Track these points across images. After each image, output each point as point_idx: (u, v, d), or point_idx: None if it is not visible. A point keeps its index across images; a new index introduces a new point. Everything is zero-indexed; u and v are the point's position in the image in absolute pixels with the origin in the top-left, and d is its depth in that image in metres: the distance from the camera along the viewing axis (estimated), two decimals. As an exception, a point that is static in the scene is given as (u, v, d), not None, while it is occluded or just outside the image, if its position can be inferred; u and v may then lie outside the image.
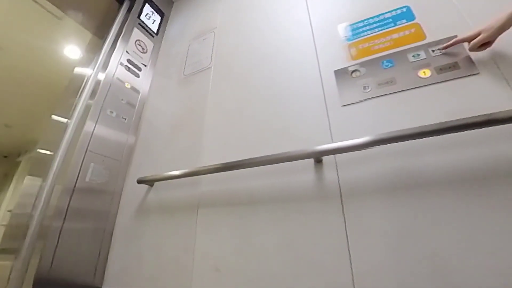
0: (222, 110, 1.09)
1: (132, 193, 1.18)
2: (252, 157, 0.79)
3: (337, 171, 0.71)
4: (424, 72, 0.72)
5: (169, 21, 1.83)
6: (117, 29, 1.48)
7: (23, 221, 1.07)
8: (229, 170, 0.84)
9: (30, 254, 0.94)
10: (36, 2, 2.29)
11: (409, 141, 0.60)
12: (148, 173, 1.08)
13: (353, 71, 0.83)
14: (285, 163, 0.75)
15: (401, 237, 0.57)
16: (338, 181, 0.70)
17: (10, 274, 0.94)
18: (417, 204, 0.58)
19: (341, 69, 0.86)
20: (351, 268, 0.60)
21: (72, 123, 1.17)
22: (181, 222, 0.94)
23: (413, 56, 0.76)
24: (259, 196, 0.81)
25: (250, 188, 0.84)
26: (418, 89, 0.71)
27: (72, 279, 0.97)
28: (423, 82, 0.71)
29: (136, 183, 1.09)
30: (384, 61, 0.80)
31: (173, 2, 1.92)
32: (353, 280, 0.59)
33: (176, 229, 0.95)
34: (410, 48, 0.77)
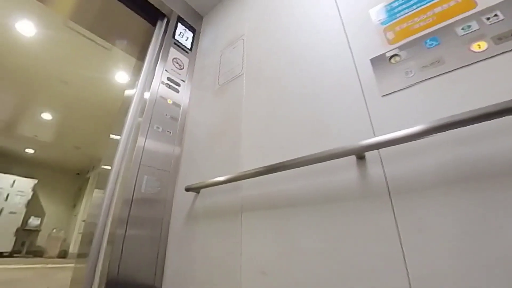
0: (257, 115, 1.10)
1: (182, 200, 1.26)
2: (290, 158, 0.78)
3: (382, 166, 0.66)
4: (478, 45, 0.63)
5: (200, 35, 1.93)
6: (155, 51, 1.62)
7: (93, 229, 1.23)
8: (269, 174, 0.85)
9: (97, 258, 1.08)
10: (88, 38, 2.63)
11: (467, 127, 0.53)
12: (194, 181, 1.15)
13: (391, 57, 0.77)
14: (325, 162, 0.73)
15: (466, 237, 0.50)
16: (385, 177, 0.65)
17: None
18: (484, 199, 0.51)
19: (378, 56, 0.80)
20: (407, 272, 0.55)
21: (125, 139, 1.32)
22: (227, 226, 0.98)
23: (462, 29, 0.67)
24: (300, 198, 0.79)
25: (291, 190, 0.83)
26: (472, 66, 0.62)
27: (136, 280, 1.08)
28: (478, 57, 0.62)
29: (184, 191, 1.17)
30: (427, 40, 0.72)
31: (202, 17, 2.03)
32: (410, 285, 0.53)
33: (222, 234, 0.99)
34: (457, 21, 0.68)
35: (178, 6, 1.84)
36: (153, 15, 1.77)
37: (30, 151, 6.12)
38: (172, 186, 1.34)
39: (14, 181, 5.77)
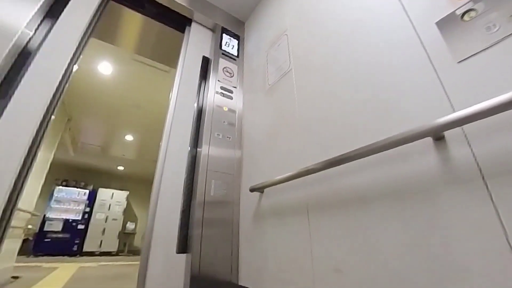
0: (312, 107, 1.08)
1: (247, 201, 1.32)
2: (354, 148, 0.73)
3: (470, 146, 0.56)
4: None
5: (244, 40, 1.99)
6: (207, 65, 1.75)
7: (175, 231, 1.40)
8: (332, 167, 0.81)
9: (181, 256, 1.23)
10: (150, 65, 3.01)
11: None
12: (257, 182, 1.19)
13: (464, 13, 0.65)
14: (395, 148, 0.66)
15: None
16: (475, 159, 0.54)
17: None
18: None
19: (445, 17, 0.68)
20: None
21: (192, 149, 1.46)
22: (294, 224, 0.98)
23: None
24: (371, 190, 0.74)
25: (359, 183, 0.78)
26: None
27: (215, 276, 1.19)
28: None
29: (249, 191, 1.22)
30: (515, -16, 0.58)
31: (244, 23, 2.09)
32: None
33: (290, 231, 0.99)
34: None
35: (220, 18, 1.94)
36: (201, 33, 1.92)
37: (121, 168, 7.37)
38: (237, 188, 1.42)
39: (113, 194, 7.04)
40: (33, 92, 1.11)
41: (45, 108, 1.11)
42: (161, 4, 1.76)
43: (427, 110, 0.66)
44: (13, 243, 2.71)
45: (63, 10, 1.31)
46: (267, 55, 1.56)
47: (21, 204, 1.25)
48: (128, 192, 7.33)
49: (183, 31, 1.87)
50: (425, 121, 0.58)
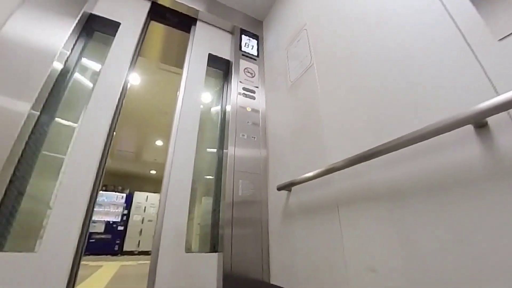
0: (337, 101, 1.05)
1: (275, 199, 1.32)
2: (385, 142, 0.70)
3: (519, 131, 0.50)
4: None
5: (264, 39, 1.99)
6: (228, 68, 1.78)
7: (207, 230, 1.44)
8: (361, 162, 0.78)
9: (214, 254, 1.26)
10: (175, 73, 3.14)
11: None
12: (284, 180, 1.18)
13: (505, -13, 0.59)
14: (430, 139, 0.62)
15: None
16: (526, 144, 0.49)
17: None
18: None
19: (483, -7, 0.63)
20: None
21: (218, 151, 1.49)
22: (324, 222, 0.96)
23: None
24: (404, 184, 0.69)
25: (391, 177, 0.74)
26: None
27: (247, 275, 1.21)
28: None
29: (276, 190, 1.22)
30: None
31: (262, 22, 2.09)
32: None
33: (321, 229, 0.97)
34: None
35: (239, 20, 1.96)
36: (221, 36, 1.95)
37: (153, 172, 7.78)
38: (264, 187, 1.42)
39: (147, 196, 7.48)
40: (100, 109, 1.26)
41: (109, 123, 1.26)
42: (181, 13, 1.82)
43: (465, 95, 0.60)
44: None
45: (115, 35, 1.48)
46: (287, 52, 1.55)
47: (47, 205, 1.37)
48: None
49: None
50: (464, 108, 0.54)
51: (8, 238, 1.00)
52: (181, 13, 1.81)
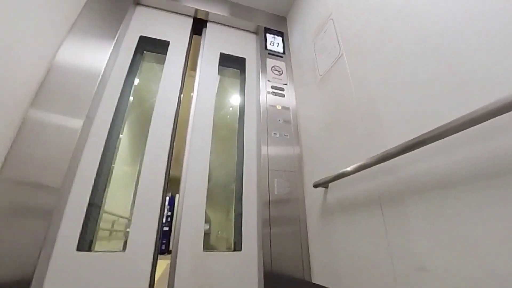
0: (371, 91, 0.99)
1: (312, 197, 1.29)
2: (430, 129, 0.64)
3: None
4: None
5: (288, 35, 1.96)
6: (255, 68, 1.79)
7: (244, 229, 1.46)
8: (405, 153, 0.72)
9: (253, 253, 1.29)
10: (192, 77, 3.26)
11: None
12: (320, 177, 1.15)
13: None
14: (482, 123, 0.54)
15: None
16: None
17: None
18: None
19: None
20: None
21: (252, 150, 1.52)
22: (366, 218, 0.91)
23: None
24: (454, 174, 0.62)
25: (438, 167, 0.67)
26: None
27: (288, 273, 1.20)
28: None
29: (312, 187, 1.19)
30: None
31: (285, 18, 2.06)
32: None
33: (363, 226, 0.92)
34: None
35: (262, 19, 1.96)
36: (246, 38, 1.97)
37: (192, 175, 8.18)
38: (300, 185, 1.40)
39: (188, 199, 7.88)
40: (162, 123, 1.43)
41: (171, 134, 1.43)
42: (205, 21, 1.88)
43: (527, 69, 0.52)
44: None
45: (166, 53, 1.63)
46: (314, 45, 1.50)
47: (121, 211, 1.52)
48: (200, 197, 8.09)
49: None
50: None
51: (96, 240, 1.21)
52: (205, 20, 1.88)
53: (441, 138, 0.62)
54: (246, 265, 1.26)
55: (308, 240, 1.29)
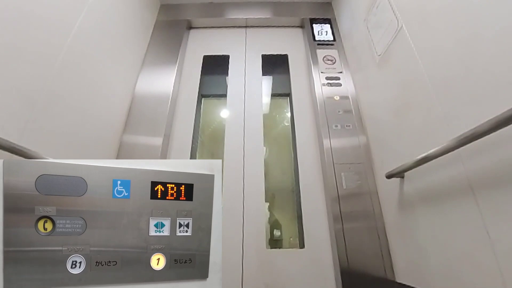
0: (444, 64, 0.85)
1: (386, 189, 1.19)
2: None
3: None
4: None
5: (337, 20, 1.84)
6: (306, 61, 1.75)
7: (315, 227, 1.45)
8: (497, 130, 0.60)
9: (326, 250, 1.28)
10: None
11: None
12: (393, 166, 1.05)
13: None
14: None
15: None
16: None
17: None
18: None
19: None
20: None
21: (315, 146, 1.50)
22: (455, 209, 0.78)
23: None
24: None
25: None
26: None
27: (366, 271, 1.13)
28: None
29: (385, 178, 1.10)
30: None
31: (330, 3, 1.94)
32: None
33: (453, 219, 0.79)
34: None
35: (306, 11, 1.90)
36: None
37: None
38: (371, 176, 1.30)
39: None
40: (235, 132, 1.59)
41: (242, 142, 1.57)
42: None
43: None
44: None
45: (228, 66, 1.80)
46: (367, 23, 1.38)
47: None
48: (268, 204, 8.33)
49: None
50: None
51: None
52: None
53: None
54: (315, 262, 1.25)
55: (386, 236, 1.19)
